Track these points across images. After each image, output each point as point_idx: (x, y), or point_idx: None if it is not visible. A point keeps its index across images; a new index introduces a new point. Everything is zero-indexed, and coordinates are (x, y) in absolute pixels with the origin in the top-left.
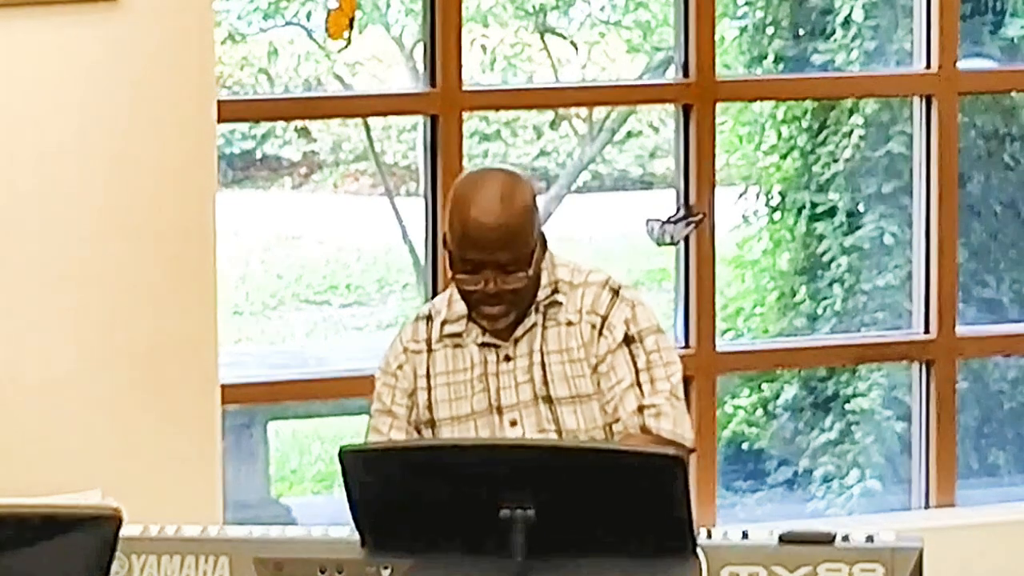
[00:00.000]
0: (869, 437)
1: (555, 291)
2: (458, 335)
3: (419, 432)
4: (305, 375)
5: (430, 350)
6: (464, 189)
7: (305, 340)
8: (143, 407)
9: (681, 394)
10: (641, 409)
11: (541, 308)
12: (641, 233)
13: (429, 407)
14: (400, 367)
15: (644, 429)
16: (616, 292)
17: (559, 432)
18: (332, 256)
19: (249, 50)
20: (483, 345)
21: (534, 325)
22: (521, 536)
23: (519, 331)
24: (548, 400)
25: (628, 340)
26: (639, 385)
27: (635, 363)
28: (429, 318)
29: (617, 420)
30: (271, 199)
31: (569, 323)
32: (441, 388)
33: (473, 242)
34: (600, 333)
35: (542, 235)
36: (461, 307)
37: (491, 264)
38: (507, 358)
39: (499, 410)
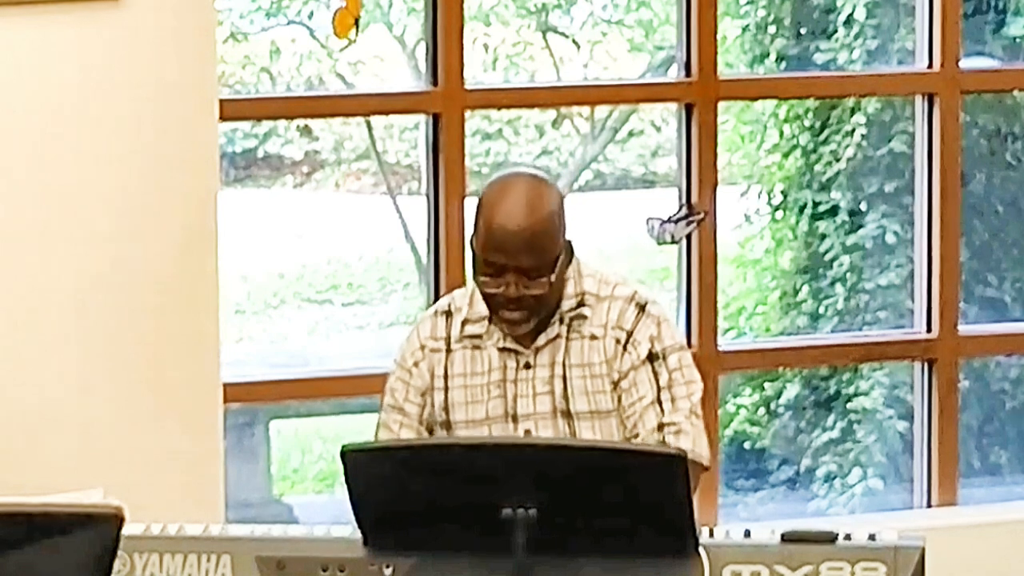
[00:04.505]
0: (871, 436)
1: (581, 303)
2: (478, 336)
3: (431, 433)
4: (307, 374)
5: (449, 349)
6: (491, 193)
7: (307, 339)
8: (145, 406)
9: (700, 412)
10: (661, 427)
11: (566, 319)
12: (643, 232)
13: (445, 408)
14: (416, 364)
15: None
16: (642, 308)
17: None
18: (334, 255)
19: (251, 49)
20: (503, 350)
21: (557, 336)
22: (522, 535)
23: (541, 340)
24: (567, 415)
25: (652, 357)
26: (660, 403)
27: (657, 381)
28: (448, 313)
29: (636, 436)
30: (273, 198)
31: (593, 337)
32: (458, 390)
33: (496, 246)
34: (624, 349)
35: (568, 243)
36: (483, 307)
37: (513, 269)
38: (527, 366)
39: (514, 418)
